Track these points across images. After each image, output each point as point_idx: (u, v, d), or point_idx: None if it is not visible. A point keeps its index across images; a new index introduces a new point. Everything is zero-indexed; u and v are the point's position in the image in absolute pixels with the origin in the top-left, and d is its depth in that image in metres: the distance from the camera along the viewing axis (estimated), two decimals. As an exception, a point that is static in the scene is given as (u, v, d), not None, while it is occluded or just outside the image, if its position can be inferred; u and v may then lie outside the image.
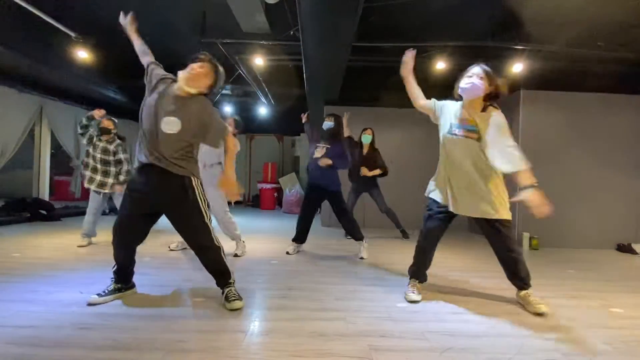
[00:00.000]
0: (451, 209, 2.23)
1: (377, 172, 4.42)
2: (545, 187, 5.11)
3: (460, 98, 2.22)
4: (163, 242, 3.98)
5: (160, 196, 2.03)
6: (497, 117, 2.10)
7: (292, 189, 8.18)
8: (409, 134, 5.82)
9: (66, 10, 3.74)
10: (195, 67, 2.05)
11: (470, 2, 3.43)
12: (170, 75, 2.18)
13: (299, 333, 1.75)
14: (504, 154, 1.97)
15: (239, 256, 3.42)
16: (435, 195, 2.36)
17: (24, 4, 3.35)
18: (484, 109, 2.15)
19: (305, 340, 1.67)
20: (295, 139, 9.92)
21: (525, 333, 1.83)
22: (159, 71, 2.22)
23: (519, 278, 2.23)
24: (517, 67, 4.39)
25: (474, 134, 2.13)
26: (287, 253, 3.61)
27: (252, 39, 4.06)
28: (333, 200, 3.58)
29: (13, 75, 5.02)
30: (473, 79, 2.11)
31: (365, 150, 4.51)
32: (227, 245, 2.66)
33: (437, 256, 3.79)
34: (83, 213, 6.45)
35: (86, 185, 3.81)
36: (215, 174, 3.26)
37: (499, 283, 2.76)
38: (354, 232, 3.60)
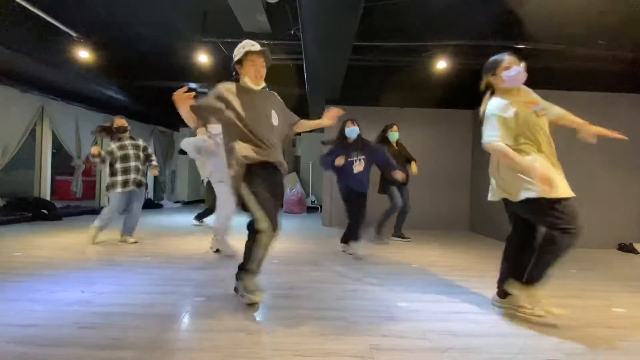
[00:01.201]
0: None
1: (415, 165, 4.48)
2: (546, 187, 5.02)
3: (485, 90, 2.19)
4: (164, 242, 3.99)
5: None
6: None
7: (293, 188, 8.18)
8: (410, 133, 5.81)
9: (67, 10, 3.75)
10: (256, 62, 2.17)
11: (471, 2, 3.42)
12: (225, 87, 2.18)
13: (300, 332, 1.75)
14: None
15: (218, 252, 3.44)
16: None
17: (25, 4, 3.36)
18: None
19: (306, 340, 1.67)
20: (295, 139, 9.91)
21: (527, 333, 1.83)
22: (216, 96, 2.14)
23: None
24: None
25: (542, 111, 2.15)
26: (349, 254, 3.62)
27: (253, 38, 4.05)
28: (365, 201, 3.63)
29: (14, 75, 5.03)
30: (517, 67, 2.12)
31: (394, 147, 4.48)
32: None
33: (438, 255, 3.81)
34: (84, 213, 6.53)
35: (120, 190, 3.76)
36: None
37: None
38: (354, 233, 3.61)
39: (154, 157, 4.10)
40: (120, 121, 3.87)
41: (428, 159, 6.09)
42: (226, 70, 5.45)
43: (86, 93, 6.11)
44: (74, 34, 4.09)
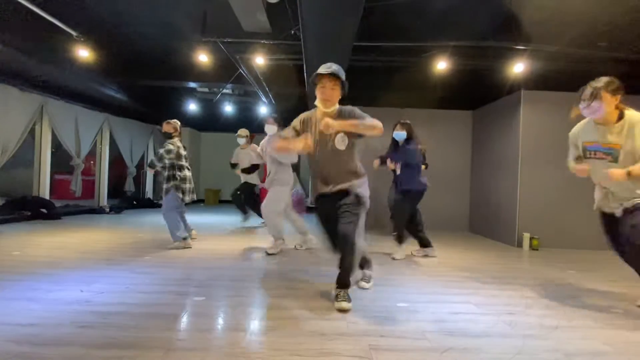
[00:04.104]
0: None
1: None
2: (545, 188, 5.09)
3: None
4: (163, 241, 3.98)
5: None
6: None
7: (293, 188, 8.17)
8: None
9: (67, 9, 3.74)
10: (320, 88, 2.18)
11: (471, 2, 3.42)
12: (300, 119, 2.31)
13: (299, 332, 1.75)
14: None
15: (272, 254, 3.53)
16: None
17: (25, 3, 3.35)
18: (619, 118, 2.15)
19: (305, 340, 1.67)
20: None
21: (526, 333, 1.83)
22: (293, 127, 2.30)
23: None
24: (518, 67, 4.39)
25: (608, 156, 2.17)
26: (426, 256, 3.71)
27: (253, 38, 4.05)
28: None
29: (14, 73, 5.02)
30: (586, 104, 2.14)
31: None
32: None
33: (438, 256, 3.80)
34: (83, 212, 6.53)
35: (189, 199, 3.76)
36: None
37: (500, 283, 2.76)
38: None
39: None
40: (167, 126, 3.82)
41: (428, 159, 6.08)
42: (226, 70, 5.46)
43: (86, 92, 6.11)
44: (74, 33, 4.08)
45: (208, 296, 2.24)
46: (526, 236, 4.43)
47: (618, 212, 2.22)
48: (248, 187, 5.40)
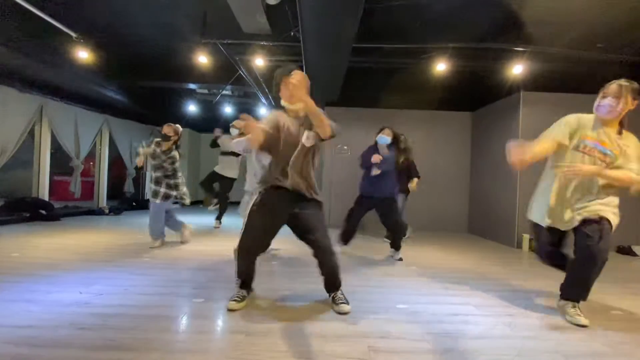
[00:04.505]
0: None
1: None
2: (545, 189, 4.98)
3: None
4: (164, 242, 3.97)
5: None
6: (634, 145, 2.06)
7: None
8: (409, 135, 5.81)
9: (67, 10, 3.74)
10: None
11: (471, 4, 3.43)
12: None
13: (298, 334, 1.75)
14: None
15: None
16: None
17: (24, 4, 3.35)
18: (619, 132, 2.09)
19: (304, 341, 1.67)
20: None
21: (526, 335, 1.83)
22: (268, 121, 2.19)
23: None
24: (518, 69, 4.40)
25: (606, 157, 2.07)
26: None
27: (253, 39, 4.06)
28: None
29: (13, 74, 5.02)
30: (608, 99, 2.05)
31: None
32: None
33: (437, 257, 3.81)
34: (82, 213, 6.52)
35: (188, 202, 3.91)
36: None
37: (499, 285, 2.76)
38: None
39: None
40: (167, 129, 3.81)
41: (427, 160, 6.09)
42: (225, 71, 5.45)
43: (85, 93, 6.11)
44: (73, 34, 4.08)
45: (207, 298, 2.24)
46: (526, 237, 4.43)
47: (575, 223, 2.09)
48: (229, 182, 5.42)
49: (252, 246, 2.14)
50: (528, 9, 3.37)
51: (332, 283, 2.18)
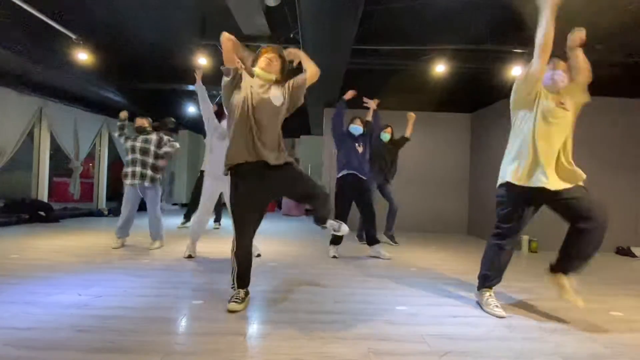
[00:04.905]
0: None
1: None
2: (544, 190, 4.95)
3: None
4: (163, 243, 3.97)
5: None
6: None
7: None
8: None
9: (67, 12, 3.75)
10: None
11: (469, 6, 3.45)
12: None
13: (298, 336, 1.75)
14: None
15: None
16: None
17: (24, 6, 3.36)
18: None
19: (304, 343, 1.67)
20: (295, 140, 9.91)
21: (525, 336, 1.83)
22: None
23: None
24: (516, 70, 4.41)
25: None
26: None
27: (252, 41, 4.07)
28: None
29: (13, 76, 5.02)
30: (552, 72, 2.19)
31: (388, 145, 4.54)
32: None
33: (436, 259, 3.81)
34: (82, 215, 6.51)
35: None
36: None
37: (499, 286, 2.75)
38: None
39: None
40: (139, 121, 3.78)
41: (426, 162, 6.10)
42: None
43: (85, 95, 6.12)
44: (73, 36, 4.09)
45: (206, 300, 2.24)
46: (525, 239, 4.43)
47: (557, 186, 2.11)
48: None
49: (249, 244, 2.15)
50: (526, 10, 3.38)
51: (325, 218, 2.25)
